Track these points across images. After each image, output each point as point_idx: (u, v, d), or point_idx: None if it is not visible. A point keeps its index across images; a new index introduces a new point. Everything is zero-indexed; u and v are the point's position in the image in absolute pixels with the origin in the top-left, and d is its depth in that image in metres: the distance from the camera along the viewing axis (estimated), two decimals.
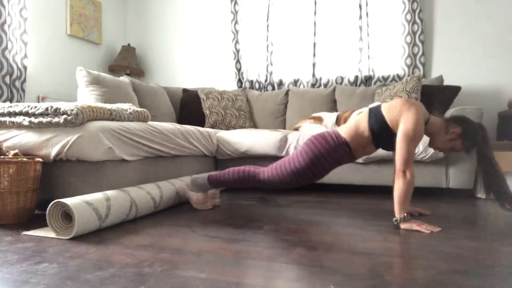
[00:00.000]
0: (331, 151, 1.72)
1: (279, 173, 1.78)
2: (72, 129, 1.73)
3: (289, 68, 3.72)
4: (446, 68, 3.29)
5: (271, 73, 3.73)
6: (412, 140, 1.58)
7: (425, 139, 2.40)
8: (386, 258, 1.16)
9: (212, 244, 1.30)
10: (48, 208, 1.39)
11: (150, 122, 2.15)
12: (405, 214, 1.56)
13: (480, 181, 1.74)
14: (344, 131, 1.77)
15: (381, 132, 1.70)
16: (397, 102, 1.68)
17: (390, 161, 2.51)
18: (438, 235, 1.46)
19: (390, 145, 1.75)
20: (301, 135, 2.65)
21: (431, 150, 2.39)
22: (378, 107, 1.74)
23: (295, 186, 1.83)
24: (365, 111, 1.78)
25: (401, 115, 1.63)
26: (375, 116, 1.71)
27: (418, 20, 3.27)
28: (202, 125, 3.35)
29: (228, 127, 3.31)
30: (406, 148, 1.57)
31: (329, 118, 2.90)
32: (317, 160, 1.72)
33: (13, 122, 1.79)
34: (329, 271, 1.04)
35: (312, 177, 1.77)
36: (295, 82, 3.67)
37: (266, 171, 1.82)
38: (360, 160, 2.52)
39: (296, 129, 3.07)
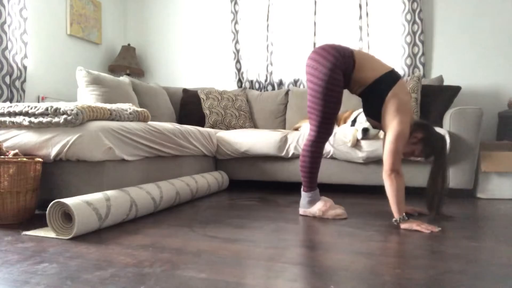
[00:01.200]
0: (336, 58, 1.67)
1: (314, 120, 1.74)
2: (72, 129, 1.73)
3: (289, 68, 3.72)
4: (446, 68, 3.29)
5: (271, 73, 3.73)
6: (402, 140, 1.61)
7: None
8: (386, 258, 1.16)
9: (212, 244, 1.30)
10: (48, 208, 1.39)
11: (150, 122, 2.15)
12: (404, 214, 1.56)
13: (427, 188, 1.79)
14: (360, 52, 1.74)
15: (373, 98, 1.70)
16: (397, 106, 1.64)
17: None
18: (438, 235, 1.46)
19: (369, 109, 1.75)
20: (301, 135, 2.65)
21: None
22: (391, 84, 1.66)
23: (333, 123, 1.76)
24: (386, 68, 1.72)
25: (396, 116, 1.63)
26: (383, 85, 1.67)
27: (418, 20, 3.27)
28: (202, 125, 3.35)
29: (228, 127, 3.31)
30: (397, 147, 1.59)
31: None
32: (328, 81, 1.66)
33: (13, 122, 1.79)
34: (329, 271, 1.04)
35: (336, 101, 1.70)
36: (295, 82, 3.67)
37: (309, 132, 1.79)
38: (360, 160, 2.52)
39: (296, 129, 3.06)
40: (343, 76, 1.71)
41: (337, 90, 1.69)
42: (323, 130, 1.76)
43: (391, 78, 1.68)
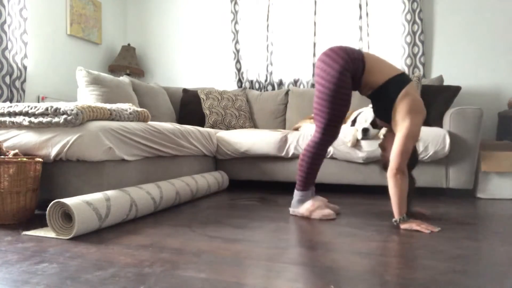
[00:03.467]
0: (345, 61, 1.67)
1: (320, 122, 1.73)
2: (72, 129, 1.73)
3: (289, 68, 3.72)
4: (446, 68, 3.29)
5: (271, 73, 3.73)
6: (412, 140, 1.59)
7: (424, 138, 2.40)
8: (386, 258, 1.16)
9: (212, 244, 1.30)
10: (48, 208, 1.39)
11: (150, 122, 2.15)
12: (404, 214, 1.56)
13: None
14: (370, 55, 1.74)
15: (384, 99, 1.69)
16: (410, 105, 1.62)
17: None
18: (438, 235, 1.46)
19: (379, 111, 1.75)
20: (301, 135, 2.65)
21: (431, 150, 2.39)
22: (401, 85, 1.66)
23: (339, 126, 1.75)
24: (396, 71, 1.71)
25: (408, 116, 1.61)
26: (393, 87, 1.66)
27: (418, 20, 3.27)
28: (202, 125, 3.35)
29: (228, 127, 3.31)
30: (406, 147, 1.57)
31: None
32: (338, 83, 1.66)
33: (13, 122, 1.79)
34: (329, 271, 1.04)
35: (344, 104, 1.70)
36: (295, 82, 3.67)
37: (314, 133, 1.78)
38: (360, 160, 2.52)
39: (296, 129, 3.06)
40: (353, 79, 1.71)
41: (345, 93, 1.69)
42: (329, 133, 1.75)
43: (401, 80, 1.68)
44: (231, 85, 3.92)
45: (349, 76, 1.68)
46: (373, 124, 2.48)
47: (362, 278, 0.98)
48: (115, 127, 1.83)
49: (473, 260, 1.14)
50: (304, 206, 1.81)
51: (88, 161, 1.75)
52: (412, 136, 1.59)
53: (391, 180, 1.57)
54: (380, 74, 1.70)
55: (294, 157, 2.68)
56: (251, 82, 3.81)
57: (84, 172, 1.77)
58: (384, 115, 1.74)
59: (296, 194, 1.85)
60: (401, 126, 1.62)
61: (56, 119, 1.71)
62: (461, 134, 2.42)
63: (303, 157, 1.81)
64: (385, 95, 1.69)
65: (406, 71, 3.30)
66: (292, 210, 1.86)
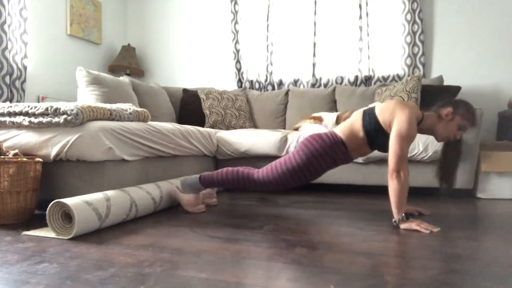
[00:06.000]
0: (327, 149, 1.73)
1: (274, 173, 1.76)
2: (72, 129, 1.73)
3: (289, 68, 3.72)
4: (446, 68, 3.29)
5: (271, 73, 3.73)
6: (405, 140, 1.59)
7: (424, 139, 2.40)
8: (386, 258, 1.16)
9: (212, 244, 1.30)
10: (48, 208, 1.39)
11: (150, 122, 2.15)
12: (404, 214, 1.56)
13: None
14: (340, 129, 1.78)
15: (375, 133, 1.71)
16: (390, 104, 1.69)
17: None
18: (438, 235, 1.46)
19: (384, 146, 1.75)
20: (301, 135, 2.65)
21: (431, 150, 2.39)
22: (372, 108, 1.74)
23: (288, 187, 1.81)
24: (359, 111, 1.79)
25: (395, 116, 1.63)
26: (369, 117, 1.72)
27: (418, 20, 3.27)
28: (202, 125, 3.35)
29: (228, 127, 3.31)
30: (400, 147, 1.57)
31: (329, 118, 2.90)
32: (313, 158, 1.72)
33: (13, 122, 1.79)
34: (329, 271, 1.04)
35: (307, 177, 1.77)
36: (295, 82, 3.67)
37: (260, 172, 1.80)
38: (360, 160, 2.52)
39: (296, 129, 3.06)
40: (342, 155, 1.77)
41: (313, 173, 1.76)
42: (268, 186, 1.79)
43: (367, 109, 1.75)
44: (231, 85, 3.92)
45: (329, 159, 1.75)
46: None
47: (362, 278, 0.98)
48: (115, 127, 1.83)
49: (473, 260, 1.14)
50: (188, 196, 1.88)
51: (88, 161, 1.75)
52: (405, 135, 1.58)
53: (391, 181, 1.58)
54: (358, 135, 1.74)
55: None
56: (251, 82, 3.81)
57: (84, 172, 1.77)
58: (387, 145, 1.71)
59: (195, 180, 1.88)
60: (393, 125, 1.64)
61: (56, 119, 1.71)
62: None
63: (234, 174, 1.82)
64: (373, 130, 1.71)
65: (406, 71, 3.30)
66: (177, 188, 1.92)
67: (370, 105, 1.80)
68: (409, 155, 2.37)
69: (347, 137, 1.76)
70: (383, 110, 1.69)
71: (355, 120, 1.77)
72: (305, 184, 1.80)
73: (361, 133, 1.73)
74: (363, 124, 1.72)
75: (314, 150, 1.72)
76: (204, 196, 2.05)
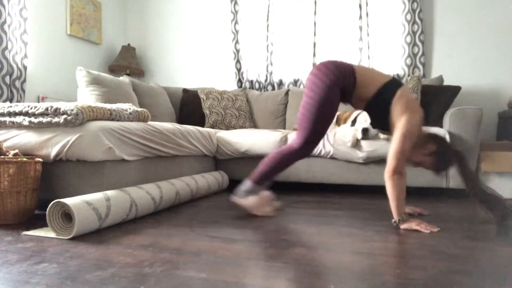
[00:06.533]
0: (336, 77, 1.67)
1: (306, 126, 1.72)
2: (72, 129, 1.73)
3: (289, 68, 3.71)
4: (446, 68, 3.29)
5: (271, 73, 3.73)
6: (410, 139, 1.58)
7: None
8: (386, 258, 1.16)
9: (212, 244, 1.30)
10: (48, 208, 1.39)
11: (150, 122, 2.15)
12: (403, 214, 1.56)
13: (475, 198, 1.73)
14: (361, 68, 1.74)
15: (379, 108, 1.69)
16: (405, 104, 1.63)
17: None
18: (438, 235, 1.46)
19: (377, 120, 1.74)
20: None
21: None
22: (394, 89, 1.66)
23: (322, 135, 1.75)
24: (387, 78, 1.71)
25: (404, 114, 1.61)
26: (387, 93, 1.66)
27: (418, 20, 3.27)
28: (202, 125, 3.35)
29: (228, 127, 3.31)
30: (402, 146, 1.56)
31: None
32: (326, 98, 1.67)
33: (13, 122, 1.79)
34: (329, 271, 1.04)
35: (327, 120, 1.71)
36: (295, 82, 3.67)
37: (295, 139, 1.77)
38: (360, 160, 2.52)
39: (296, 129, 3.06)
40: (344, 93, 1.72)
41: (332, 108, 1.70)
42: (307, 146, 1.75)
43: (393, 85, 1.68)
44: (231, 85, 3.92)
45: (338, 91, 1.70)
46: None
47: (362, 278, 0.98)
48: (115, 127, 1.83)
49: (473, 260, 1.14)
50: (250, 199, 1.81)
51: (88, 161, 1.75)
52: (409, 136, 1.57)
53: (388, 182, 1.57)
54: (372, 85, 1.70)
55: None
56: (251, 82, 3.81)
57: (84, 172, 1.77)
58: (382, 123, 1.74)
59: (247, 184, 1.84)
60: (398, 125, 1.62)
61: (56, 119, 1.71)
62: (461, 134, 2.42)
63: (273, 159, 1.79)
64: (379, 103, 1.69)
65: (406, 71, 3.30)
66: (236, 198, 1.85)
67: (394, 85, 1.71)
68: None
69: (363, 80, 1.70)
70: (399, 104, 1.64)
71: (378, 79, 1.69)
72: (328, 126, 1.74)
73: (372, 93, 1.68)
74: (379, 92, 1.67)
75: (323, 83, 1.68)
76: (264, 200, 1.92)
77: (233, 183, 3.16)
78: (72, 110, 1.69)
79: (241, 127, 3.34)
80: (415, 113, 1.61)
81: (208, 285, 0.93)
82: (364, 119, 2.54)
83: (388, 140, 2.42)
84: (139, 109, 2.12)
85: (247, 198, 1.82)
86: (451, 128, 2.45)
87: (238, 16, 3.81)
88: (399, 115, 1.62)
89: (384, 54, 3.42)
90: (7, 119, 1.80)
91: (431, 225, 1.55)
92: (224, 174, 2.77)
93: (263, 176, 1.82)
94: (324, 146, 2.59)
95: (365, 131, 2.47)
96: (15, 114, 1.79)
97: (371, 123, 1.83)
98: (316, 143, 1.77)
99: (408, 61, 3.29)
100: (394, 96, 1.65)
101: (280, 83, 3.71)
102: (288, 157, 1.78)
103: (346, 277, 0.99)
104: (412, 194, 2.64)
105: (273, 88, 3.75)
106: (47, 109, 1.73)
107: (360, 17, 3.41)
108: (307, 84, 1.75)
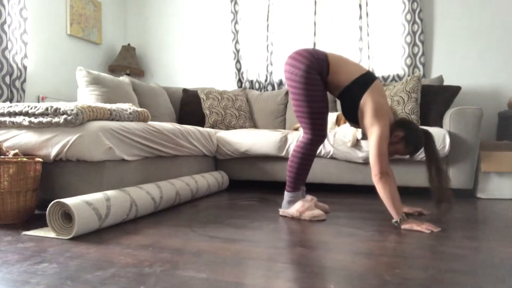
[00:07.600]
0: (310, 60, 1.69)
1: (305, 120, 1.74)
2: (72, 129, 1.73)
3: None
4: (446, 68, 3.29)
5: (271, 73, 3.73)
6: (385, 140, 1.60)
7: None
8: (386, 258, 1.16)
9: (212, 244, 1.30)
10: (48, 208, 1.39)
11: (150, 122, 2.15)
12: (403, 214, 1.56)
13: (430, 187, 1.75)
14: (334, 55, 1.75)
15: (349, 102, 1.72)
16: (374, 110, 1.64)
17: (391, 161, 2.51)
18: (438, 235, 1.46)
19: (347, 113, 1.76)
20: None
21: None
22: (365, 87, 1.68)
23: (325, 123, 1.76)
24: (361, 71, 1.73)
25: (374, 125, 1.63)
26: (357, 89, 1.69)
27: (418, 20, 3.27)
28: (202, 125, 3.35)
29: (228, 127, 3.31)
30: (380, 148, 1.58)
31: (329, 118, 2.90)
32: (306, 82, 1.68)
33: (13, 122, 1.79)
34: (329, 271, 1.04)
35: (319, 99, 1.71)
36: None
37: (304, 135, 1.78)
38: (360, 160, 2.52)
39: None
40: (322, 78, 1.73)
41: (317, 89, 1.70)
42: (317, 132, 1.76)
43: (364, 81, 1.70)
44: (231, 85, 3.92)
45: (317, 74, 1.70)
46: None
47: (362, 278, 0.98)
48: (115, 127, 1.83)
49: (473, 260, 1.14)
50: (294, 207, 1.80)
51: (88, 161, 1.75)
52: (384, 137, 1.60)
53: (378, 185, 1.58)
54: (345, 74, 1.72)
55: None
56: (251, 82, 3.81)
57: (84, 172, 1.77)
58: (351, 116, 1.76)
59: (286, 195, 1.85)
60: (371, 131, 1.64)
61: (56, 119, 1.71)
62: (461, 134, 2.42)
63: (293, 158, 1.81)
64: (350, 97, 1.71)
65: (406, 71, 3.30)
66: (282, 211, 1.85)
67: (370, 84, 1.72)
68: None
69: (336, 66, 1.72)
70: (367, 107, 1.66)
71: (353, 71, 1.72)
72: (325, 113, 1.75)
73: (344, 83, 1.71)
74: (352, 84, 1.69)
75: (300, 73, 1.69)
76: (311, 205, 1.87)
77: (233, 183, 3.16)
78: (72, 110, 1.69)
79: (241, 127, 3.34)
80: (383, 118, 1.63)
81: (208, 285, 0.93)
82: None
83: None
84: (139, 109, 2.12)
85: (292, 206, 1.81)
86: (451, 128, 2.45)
87: (238, 16, 3.81)
88: (370, 121, 1.64)
89: (384, 54, 3.42)
90: (7, 119, 1.80)
91: (432, 225, 1.55)
92: (224, 174, 2.78)
93: (294, 180, 1.81)
94: (324, 146, 2.60)
95: None
96: (15, 114, 1.79)
97: (342, 113, 1.84)
98: (322, 124, 1.76)
99: (408, 61, 3.29)
100: (363, 96, 1.67)
101: (280, 83, 3.71)
102: (306, 151, 1.78)
103: (346, 277, 0.99)
104: (412, 194, 2.64)
105: (273, 88, 3.75)
106: (47, 109, 1.73)
107: (360, 17, 3.41)
108: (286, 76, 1.76)
